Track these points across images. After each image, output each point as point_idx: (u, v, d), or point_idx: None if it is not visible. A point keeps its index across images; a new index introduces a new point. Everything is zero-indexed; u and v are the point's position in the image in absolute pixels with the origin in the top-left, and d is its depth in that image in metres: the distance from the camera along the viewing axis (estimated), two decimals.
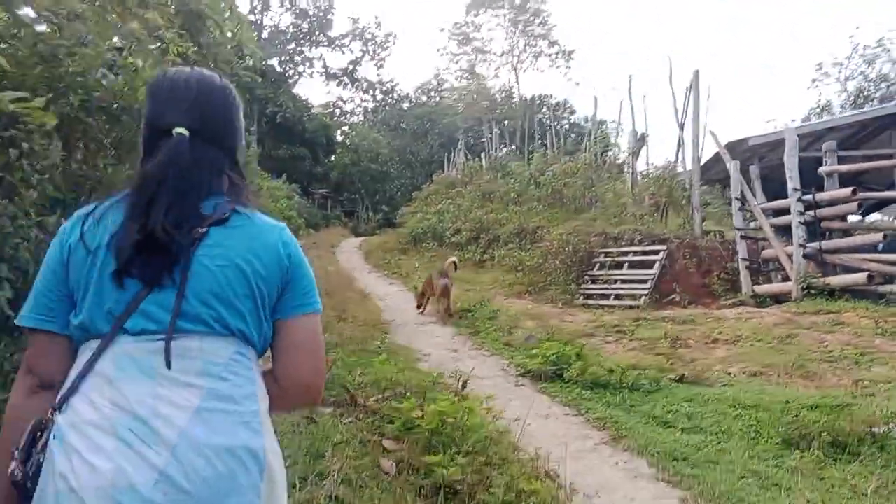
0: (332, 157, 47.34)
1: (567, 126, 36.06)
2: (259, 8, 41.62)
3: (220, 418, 1.38)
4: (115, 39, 6.56)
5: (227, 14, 7.71)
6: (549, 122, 40.20)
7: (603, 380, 6.81)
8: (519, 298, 14.35)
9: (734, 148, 14.96)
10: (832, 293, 11.22)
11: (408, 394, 5.71)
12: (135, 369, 1.38)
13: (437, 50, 53.23)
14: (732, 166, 13.12)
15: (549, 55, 48.23)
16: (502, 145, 29.94)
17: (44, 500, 1.32)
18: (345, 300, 11.04)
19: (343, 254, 22.18)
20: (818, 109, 41.49)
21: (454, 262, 13.35)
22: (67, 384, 1.41)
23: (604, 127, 28.22)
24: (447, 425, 4.75)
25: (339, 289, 12.05)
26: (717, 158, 15.58)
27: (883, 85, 40.20)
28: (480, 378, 6.92)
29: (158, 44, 7.32)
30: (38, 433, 1.39)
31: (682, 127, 15.36)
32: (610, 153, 23.07)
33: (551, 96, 48.95)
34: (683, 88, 15.48)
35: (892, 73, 40.16)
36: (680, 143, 15.49)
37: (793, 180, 11.89)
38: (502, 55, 48.68)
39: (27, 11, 4.51)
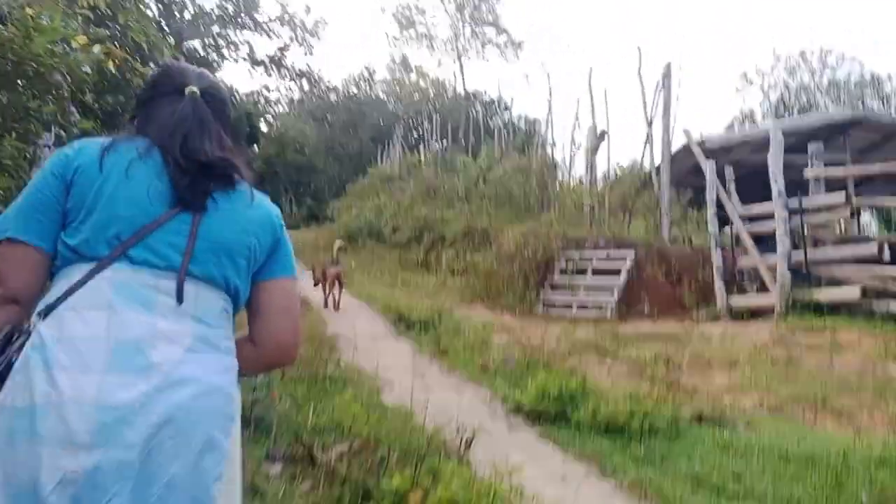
0: (256, 147, 45.55)
1: (501, 123, 34.76)
2: None
3: (206, 360, 1.43)
4: None
5: None
6: (482, 118, 39.09)
7: (619, 423, 5.52)
8: (472, 306, 13.05)
9: (685, 152, 14.05)
10: (818, 309, 10.29)
11: (388, 452, 4.29)
12: (133, 298, 1.41)
13: (379, 33, 50.08)
14: (709, 167, 12.09)
15: (498, 45, 46.43)
16: (441, 140, 28.51)
17: (14, 411, 1.30)
18: None
19: None
20: (740, 118, 42.01)
21: (343, 247, 13.56)
22: (53, 296, 1.43)
23: (537, 124, 27.13)
24: None
25: None
26: (674, 159, 14.61)
27: (803, 95, 40.86)
28: (463, 418, 5.59)
29: None
30: (14, 335, 1.39)
31: (650, 123, 14.30)
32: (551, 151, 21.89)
33: (485, 92, 47.81)
34: (651, 83, 14.51)
35: (811, 84, 40.84)
36: (648, 140, 14.41)
37: (778, 184, 10.92)
38: (446, 42, 46.59)
39: None
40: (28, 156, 5.15)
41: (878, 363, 8.10)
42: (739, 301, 11.47)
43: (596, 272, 12.82)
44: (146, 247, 1.45)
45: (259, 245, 1.60)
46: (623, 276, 12.27)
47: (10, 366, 1.34)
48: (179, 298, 1.43)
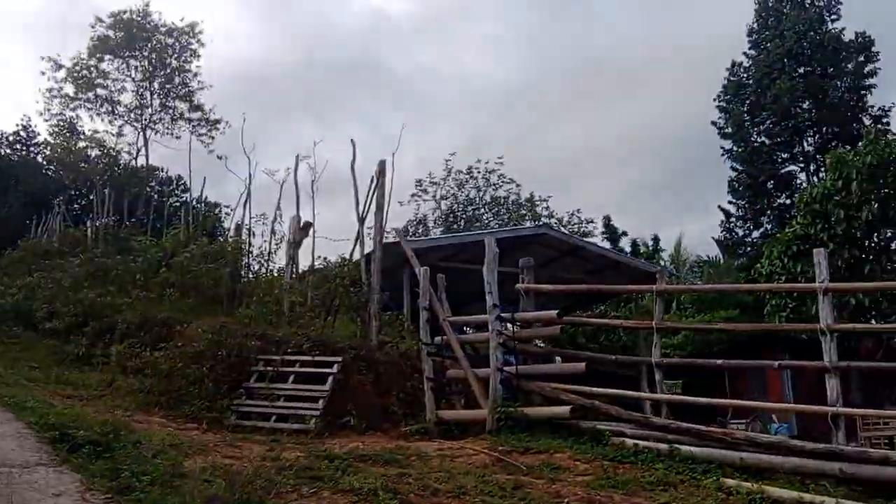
0: None
1: (190, 204, 32.20)
2: None
3: None
4: None
5: None
6: (165, 197, 36.26)
7: None
8: (148, 415, 10.97)
9: (386, 251, 13.77)
10: (528, 425, 10.12)
11: None
12: None
13: (49, 90, 42.98)
14: (423, 273, 11.68)
15: (191, 120, 42.86)
16: (113, 216, 25.43)
17: None
18: None
19: None
20: (415, 222, 44.34)
21: None
22: None
23: (232, 209, 25.40)
24: None
25: None
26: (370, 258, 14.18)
27: (470, 208, 44.33)
28: None
29: None
30: None
31: (362, 221, 13.68)
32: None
33: (168, 169, 44.48)
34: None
35: (477, 198, 44.56)
36: (358, 237, 13.75)
37: (493, 296, 10.77)
38: (131, 111, 42.03)
39: None
40: None
41: (600, 491, 7.91)
42: (450, 415, 10.98)
43: (299, 378, 11.58)
44: None
45: None
46: (329, 384, 11.19)
47: None
48: None
